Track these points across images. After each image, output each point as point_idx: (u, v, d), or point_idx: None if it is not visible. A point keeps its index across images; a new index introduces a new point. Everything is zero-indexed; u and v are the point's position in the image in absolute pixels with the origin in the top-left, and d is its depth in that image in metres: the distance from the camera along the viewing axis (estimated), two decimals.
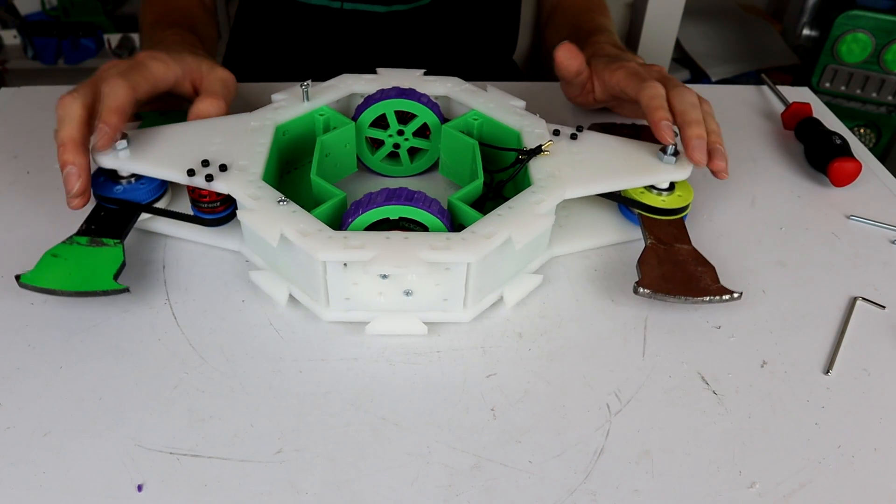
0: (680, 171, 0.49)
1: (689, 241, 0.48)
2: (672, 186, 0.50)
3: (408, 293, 0.42)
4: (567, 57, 0.57)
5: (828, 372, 0.42)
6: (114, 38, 1.68)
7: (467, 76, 0.59)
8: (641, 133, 0.59)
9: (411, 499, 0.34)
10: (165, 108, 0.57)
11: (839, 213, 0.55)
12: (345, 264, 0.41)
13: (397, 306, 0.43)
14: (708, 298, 0.43)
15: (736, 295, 0.44)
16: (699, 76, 1.39)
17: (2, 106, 0.65)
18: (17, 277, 0.41)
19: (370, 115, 0.54)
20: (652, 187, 0.50)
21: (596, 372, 0.41)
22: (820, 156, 0.59)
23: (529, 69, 1.36)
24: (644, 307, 0.46)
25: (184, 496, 0.34)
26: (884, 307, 0.47)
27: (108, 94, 0.46)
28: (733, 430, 0.38)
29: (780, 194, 0.58)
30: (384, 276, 0.42)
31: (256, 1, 0.85)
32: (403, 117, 0.55)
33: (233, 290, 0.46)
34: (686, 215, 0.50)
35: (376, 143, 0.56)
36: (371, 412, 0.38)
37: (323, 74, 0.81)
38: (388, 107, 0.53)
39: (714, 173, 0.50)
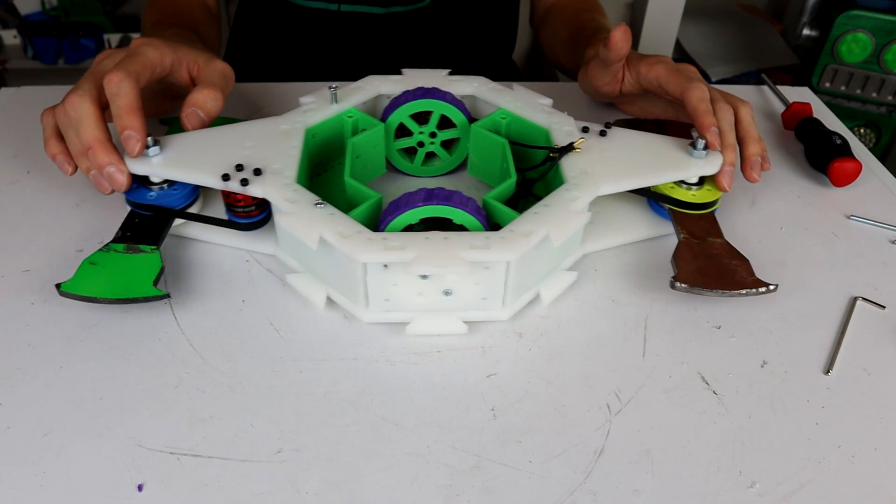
0: (710, 166, 0.49)
1: (721, 235, 0.48)
2: (701, 180, 0.50)
3: (447, 293, 0.42)
4: (623, 39, 0.55)
5: (828, 372, 0.42)
6: (114, 38, 1.68)
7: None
8: (666, 129, 0.59)
9: (411, 499, 0.34)
10: (170, 109, 0.58)
11: (839, 213, 0.55)
12: (385, 265, 0.41)
13: (437, 306, 0.43)
14: (745, 291, 0.44)
15: (772, 287, 0.44)
16: None
17: (2, 106, 0.65)
18: (58, 286, 0.41)
19: (412, 108, 0.53)
20: (682, 182, 0.50)
21: (596, 372, 0.41)
22: (820, 156, 0.59)
23: (529, 69, 1.36)
24: (644, 307, 0.46)
25: (184, 496, 0.34)
26: (884, 307, 0.47)
27: (116, 94, 0.45)
28: (733, 430, 0.38)
29: (780, 194, 0.58)
30: (424, 277, 0.42)
31: (255, 3, 0.85)
32: (441, 122, 0.55)
33: (233, 290, 0.46)
34: (716, 209, 0.50)
35: (401, 134, 0.56)
36: (371, 412, 0.39)
37: (322, 75, 0.81)
38: (432, 105, 0.53)
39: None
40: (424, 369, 0.41)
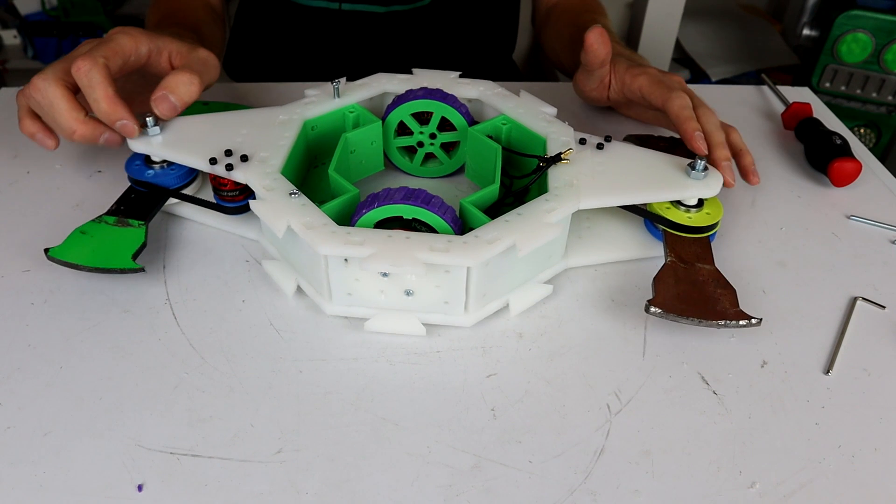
0: (708, 188, 0.47)
1: (712, 262, 0.46)
2: (700, 203, 0.48)
3: (408, 293, 0.42)
4: (598, 41, 0.55)
5: (828, 372, 0.42)
6: None
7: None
8: (678, 148, 0.56)
9: (411, 499, 0.34)
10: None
11: (839, 213, 0.55)
12: (346, 259, 0.41)
13: (398, 305, 0.43)
14: (723, 322, 0.42)
15: (754, 321, 0.42)
16: (699, 76, 1.39)
17: (2, 106, 0.65)
18: (46, 251, 0.43)
19: (413, 107, 0.53)
20: (679, 203, 0.48)
21: (596, 372, 0.41)
22: (820, 156, 0.59)
23: (529, 69, 1.36)
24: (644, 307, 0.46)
25: (184, 496, 0.34)
26: (884, 307, 0.47)
27: (89, 86, 0.45)
28: (733, 430, 0.38)
29: (781, 194, 0.58)
30: (385, 275, 0.42)
31: (256, 2, 0.85)
32: (442, 124, 0.55)
33: (233, 290, 0.46)
34: (714, 235, 0.49)
35: (403, 132, 0.56)
36: (371, 412, 0.38)
37: (323, 75, 0.81)
38: (432, 106, 0.53)
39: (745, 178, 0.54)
40: (424, 369, 0.41)
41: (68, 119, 0.46)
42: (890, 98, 1.26)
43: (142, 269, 0.43)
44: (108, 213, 0.47)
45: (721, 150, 0.50)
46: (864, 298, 0.47)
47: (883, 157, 1.35)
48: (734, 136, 0.54)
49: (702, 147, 0.49)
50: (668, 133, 0.62)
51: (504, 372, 0.41)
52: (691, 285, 0.44)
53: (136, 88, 0.54)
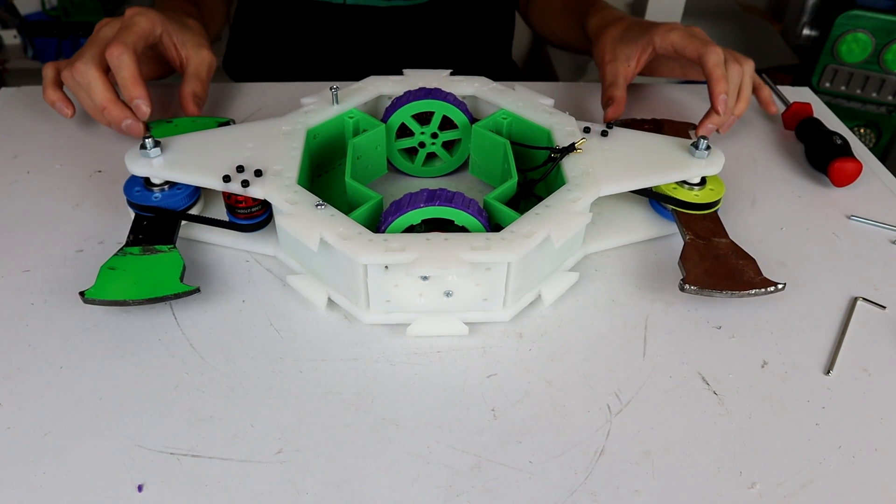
0: (712, 166, 0.49)
1: (726, 235, 0.48)
2: (703, 180, 0.50)
3: (448, 294, 0.42)
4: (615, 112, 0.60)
5: (828, 372, 0.42)
6: None
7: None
8: (662, 128, 0.60)
9: (411, 499, 0.34)
10: (162, 73, 0.64)
11: (839, 213, 0.55)
12: (386, 267, 0.41)
13: (437, 307, 0.43)
14: (754, 291, 0.44)
15: (780, 286, 0.44)
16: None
17: (2, 106, 0.65)
18: (82, 294, 0.41)
19: (414, 108, 0.53)
20: (684, 182, 0.50)
21: (596, 372, 0.41)
22: (820, 156, 0.59)
23: (529, 69, 1.36)
24: (644, 307, 0.46)
25: (184, 496, 0.34)
26: (884, 307, 0.47)
27: (119, 67, 0.51)
28: (734, 430, 0.38)
29: (781, 194, 0.58)
30: (425, 278, 0.42)
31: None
32: (443, 122, 0.55)
33: (233, 290, 0.46)
34: (719, 209, 0.51)
35: (402, 134, 0.56)
36: (371, 412, 0.38)
37: (321, 70, 0.81)
38: (433, 106, 0.53)
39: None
40: (424, 370, 0.41)
41: (102, 98, 0.52)
42: (890, 98, 1.26)
43: (198, 290, 0.42)
44: (129, 244, 0.45)
45: (740, 104, 0.58)
46: (864, 299, 0.47)
47: (883, 157, 1.34)
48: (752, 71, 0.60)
49: (721, 110, 0.55)
50: (649, 115, 0.65)
51: (504, 372, 0.41)
52: (715, 260, 0.46)
53: (147, 59, 0.62)
